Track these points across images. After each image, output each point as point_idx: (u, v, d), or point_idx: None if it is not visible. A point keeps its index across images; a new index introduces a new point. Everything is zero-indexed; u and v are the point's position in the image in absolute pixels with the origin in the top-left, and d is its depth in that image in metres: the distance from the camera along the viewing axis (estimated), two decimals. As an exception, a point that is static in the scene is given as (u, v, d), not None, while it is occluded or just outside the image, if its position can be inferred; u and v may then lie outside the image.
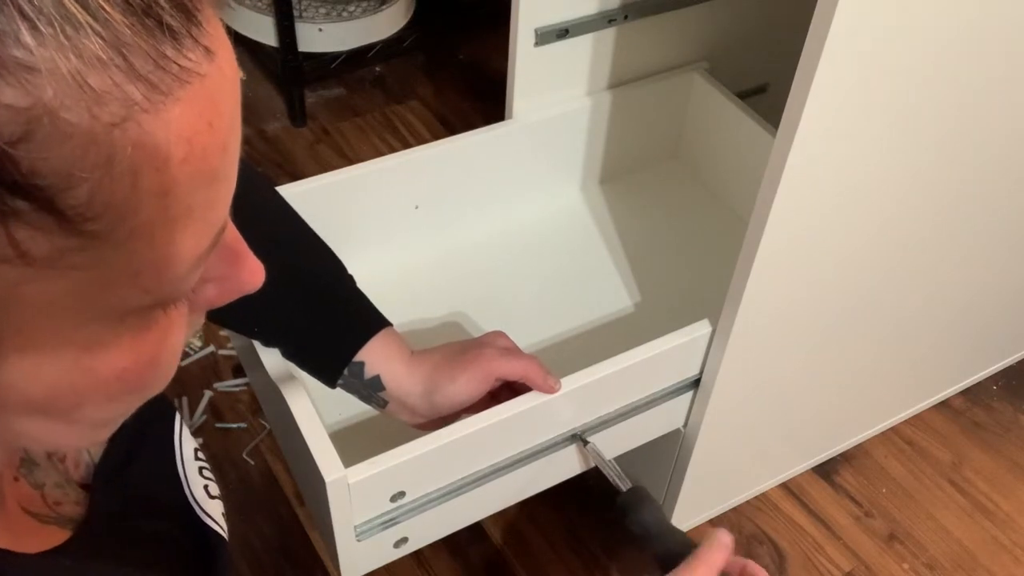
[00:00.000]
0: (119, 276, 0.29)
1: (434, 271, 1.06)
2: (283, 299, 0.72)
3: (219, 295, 0.37)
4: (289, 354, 0.76)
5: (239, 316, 0.75)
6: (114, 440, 0.50)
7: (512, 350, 0.78)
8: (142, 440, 0.52)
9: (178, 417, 0.56)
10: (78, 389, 0.32)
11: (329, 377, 0.74)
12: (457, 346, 0.77)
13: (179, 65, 0.27)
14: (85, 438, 0.37)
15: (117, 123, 0.26)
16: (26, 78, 0.24)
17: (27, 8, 0.24)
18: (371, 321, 0.75)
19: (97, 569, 0.45)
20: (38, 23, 0.24)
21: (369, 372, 0.73)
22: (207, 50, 0.28)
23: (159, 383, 0.36)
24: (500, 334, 0.80)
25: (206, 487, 0.55)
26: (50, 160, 0.25)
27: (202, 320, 0.38)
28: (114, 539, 0.47)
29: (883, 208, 0.84)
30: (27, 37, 0.24)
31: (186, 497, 0.53)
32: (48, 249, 0.27)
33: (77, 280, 0.28)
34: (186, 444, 0.55)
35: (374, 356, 0.73)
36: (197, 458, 0.56)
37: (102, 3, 0.25)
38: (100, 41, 0.25)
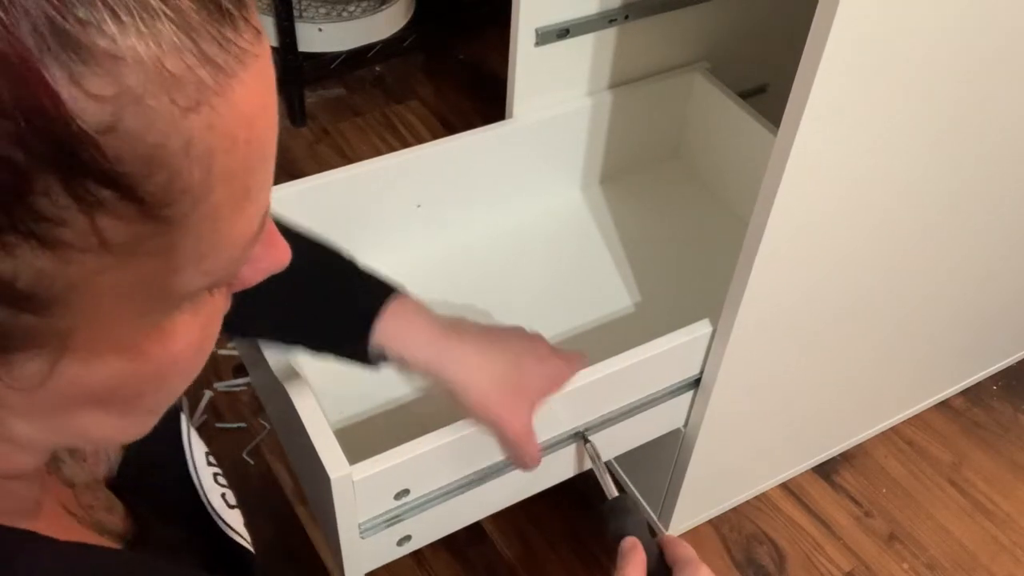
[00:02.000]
0: (186, 261, 0.29)
1: (433, 271, 1.06)
2: (296, 297, 0.71)
3: (252, 275, 0.37)
4: (315, 348, 0.73)
5: (258, 322, 0.73)
6: (128, 446, 0.48)
7: (552, 375, 0.76)
8: (153, 443, 0.51)
9: (183, 417, 0.54)
10: (139, 377, 0.32)
11: (364, 364, 0.72)
12: (500, 367, 0.72)
13: (239, 47, 0.28)
14: (136, 428, 0.36)
15: (192, 107, 0.26)
16: (111, 67, 0.25)
17: None
18: (381, 294, 0.72)
19: (166, 570, 0.44)
20: (118, 12, 0.25)
21: (392, 357, 0.71)
22: (257, 31, 0.29)
23: (200, 368, 0.36)
24: (538, 341, 0.77)
25: (223, 495, 0.53)
26: (135, 147, 0.25)
27: (228, 304, 0.38)
28: (161, 554, 0.45)
29: (883, 208, 0.84)
30: (111, 26, 0.25)
31: (203, 506, 0.51)
32: (126, 237, 0.27)
33: (148, 267, 0.28)
34: (196, 448, 0.53)
35: (388, 335, 0.70)
36: (209, 463, 0.54)
37: None
38: (173, 26, 0.26)
